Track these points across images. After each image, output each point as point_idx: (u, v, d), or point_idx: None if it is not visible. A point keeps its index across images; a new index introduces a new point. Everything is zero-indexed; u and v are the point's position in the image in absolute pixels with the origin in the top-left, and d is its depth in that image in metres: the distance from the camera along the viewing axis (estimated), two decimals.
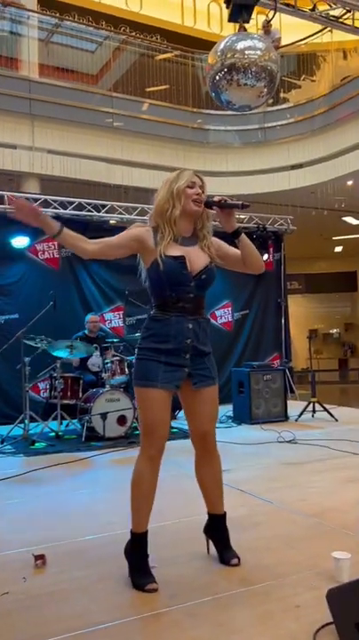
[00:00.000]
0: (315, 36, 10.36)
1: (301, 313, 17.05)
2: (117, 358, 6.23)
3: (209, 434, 2.55)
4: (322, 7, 4.25)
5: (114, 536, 2.98)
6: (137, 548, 2.43)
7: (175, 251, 2.42)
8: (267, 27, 10.06)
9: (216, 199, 2.46)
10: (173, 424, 6.38)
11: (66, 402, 6.08)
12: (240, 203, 2.38)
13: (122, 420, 5.82)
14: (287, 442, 5.47)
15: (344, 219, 12.41)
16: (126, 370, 6.20)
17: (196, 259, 2.46)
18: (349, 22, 4.38)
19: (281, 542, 2.85)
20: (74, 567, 2.62)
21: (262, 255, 9.23)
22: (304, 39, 10.47)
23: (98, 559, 2.70)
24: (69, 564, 2.66)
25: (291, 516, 3.28)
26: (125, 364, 6.21)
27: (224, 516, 2.63)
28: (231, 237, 2.54)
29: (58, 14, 10.56)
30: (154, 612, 2.16)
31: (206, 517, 2.68)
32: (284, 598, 2.24)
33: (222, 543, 2.62)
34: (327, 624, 1.98)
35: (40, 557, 2.64)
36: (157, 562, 2.59)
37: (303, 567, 2.51)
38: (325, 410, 6.88)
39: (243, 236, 2.50)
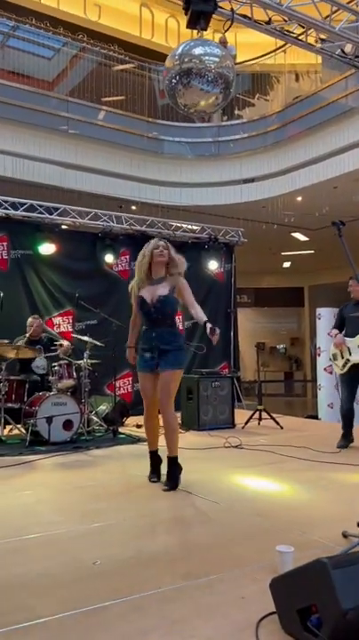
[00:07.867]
0: (268, 56, 10.65)
1: (250, 326, 17.28)
2: (65, 362, 6.11)
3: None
4: (277, 22, 4.38)
5: (56, 535, 2.92)
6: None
7: None
8: (223, 42, 10.30)
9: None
10: (121, 429, 6.33)
11: (10, 405, 5.91)
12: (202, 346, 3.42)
13: (68, 425, 5.71)
14: (234, 447, 5.51)
15: (293, 234, 12.67)
16: (74, 373, 6.08)
17: None
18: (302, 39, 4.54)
19: (226, 539, 2.85)
20: (14, 564, 2.54)
21: (213, 265, 9.24)
22: (259, 57, 10.73)
23: (39, 557, 2.62)
24: (9, 561, 2.58)
25: (237, 515, 3.30)
26: (73, 367, 6.10)
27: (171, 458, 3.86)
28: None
29: (14, 17, 10.45)
30: (98, 606, 2.11)
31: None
32: (229, 591, 2.24)
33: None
34: (270, 613, 2.00)
35: None
36: (102, 558, 2.56)
37: (248, 561, 2.52)
38: (271, 417, 6.98)
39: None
